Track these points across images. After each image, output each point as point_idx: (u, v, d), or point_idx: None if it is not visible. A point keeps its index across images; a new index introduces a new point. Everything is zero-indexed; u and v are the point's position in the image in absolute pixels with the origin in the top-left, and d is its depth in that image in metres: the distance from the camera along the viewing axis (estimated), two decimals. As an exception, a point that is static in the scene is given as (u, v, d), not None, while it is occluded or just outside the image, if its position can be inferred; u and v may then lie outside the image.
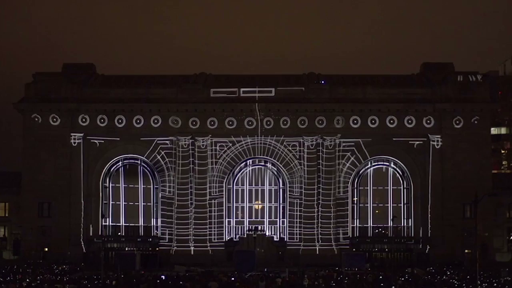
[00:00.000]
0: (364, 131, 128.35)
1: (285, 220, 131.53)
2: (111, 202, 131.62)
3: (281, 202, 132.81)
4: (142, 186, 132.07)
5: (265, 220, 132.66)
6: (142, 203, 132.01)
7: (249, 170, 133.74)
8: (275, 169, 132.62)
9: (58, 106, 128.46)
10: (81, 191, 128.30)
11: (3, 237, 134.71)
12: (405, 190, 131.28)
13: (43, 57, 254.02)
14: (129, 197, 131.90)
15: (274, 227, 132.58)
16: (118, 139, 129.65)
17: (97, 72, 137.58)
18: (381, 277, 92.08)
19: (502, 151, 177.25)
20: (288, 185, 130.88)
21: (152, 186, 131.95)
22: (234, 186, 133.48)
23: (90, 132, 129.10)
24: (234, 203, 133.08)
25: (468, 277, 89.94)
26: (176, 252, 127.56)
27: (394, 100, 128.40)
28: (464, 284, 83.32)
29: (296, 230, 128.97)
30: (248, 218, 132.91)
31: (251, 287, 78.00)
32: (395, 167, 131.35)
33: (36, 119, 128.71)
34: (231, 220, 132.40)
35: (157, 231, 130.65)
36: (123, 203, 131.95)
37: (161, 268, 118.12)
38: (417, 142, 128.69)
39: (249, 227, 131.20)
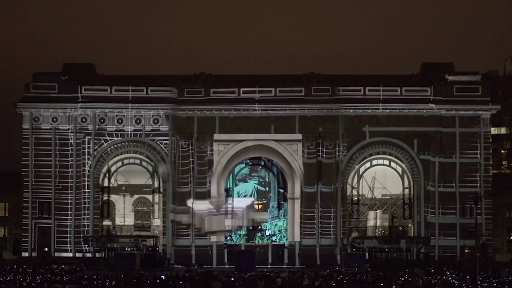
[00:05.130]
0: (364, 131, 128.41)
1: (285, 220, 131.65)
2: (111, 202, 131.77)
3: (281, 202, 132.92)
4: (142, 186, 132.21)
5: (265, 220, 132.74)
6: (142, 203, 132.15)
7: (249, 170, 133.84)
8: (275, 169, 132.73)
9: (58, 106, 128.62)
10: (81, 191, 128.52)
11: (3, 237, 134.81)
12: (405, 190, 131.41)
13: (43, 57, 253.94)
14: (129, 197, 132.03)
15: (274, 227, 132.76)
16: (118, 139, 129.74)
17: (97, 72, 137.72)
18: (381, 277, 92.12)
19: (502, 151, 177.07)
20: (288, 185, 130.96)
21: (152, 186, 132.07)
22: (235, 186, 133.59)
23: (90, 132, 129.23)
24: (234, 203, 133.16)
25: (468, 277, 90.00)
26: (176, 252, 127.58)
27: (394, 100, 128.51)
28: (464, 284, 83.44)
29: (296, 230, 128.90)
30: (248, 218, 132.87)
31: (250, 287, 78.04)
32: (395, 166, 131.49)
33: (36, 119, 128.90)
34: (231, 220, 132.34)
35: (157, 231, 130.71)
36: (123, 203, 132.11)
37: (161, 268, 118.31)
38: (417, 142, 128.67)
39: (249, 227, 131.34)
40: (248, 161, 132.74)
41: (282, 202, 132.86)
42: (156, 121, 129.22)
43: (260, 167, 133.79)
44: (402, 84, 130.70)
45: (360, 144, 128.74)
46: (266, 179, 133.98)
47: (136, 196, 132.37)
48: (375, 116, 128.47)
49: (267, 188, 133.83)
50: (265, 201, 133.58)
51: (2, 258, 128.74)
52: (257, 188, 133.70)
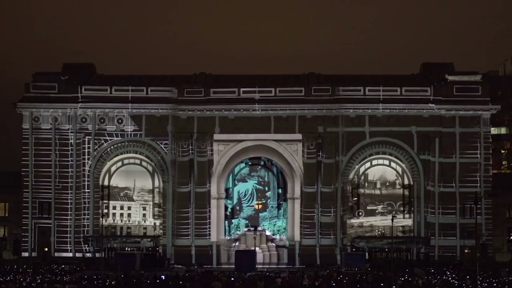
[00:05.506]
0: (364, 131, 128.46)
1: (286, 220, 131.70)
2: (111, 202, 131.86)
3: (281, 202, 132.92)
4: (142, 186, 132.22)
5: (269, 220, 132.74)
6: (142, 203, 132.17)
7: (249, 170, 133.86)
8: (275, 169, 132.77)
9: (58, 106, 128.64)
10: (81, 191, 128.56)
11: (3, 237, 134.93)
12: (405, 189, 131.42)
13: (43, 57, 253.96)
14: (129, 196, 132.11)
15: (273, 227, 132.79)
16: (118, 139, 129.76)
17: (97, 72, 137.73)
18: (381, 277, 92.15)
19: (502, 151, 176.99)
20: (288, 185, 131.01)
21: (152, 186, 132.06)
22: (234, 186, 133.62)
23: (90, 132, 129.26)
24: (234, 203, 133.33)
25: (468, 277, 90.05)
26: (176, 252, 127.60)
27: (394, 100, 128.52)
28: (464, 284, 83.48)
29: (296, 230, 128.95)
30: (248, 218, 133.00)
31: (250, 287, 78.07)
32: (395, 166, 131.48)
33: (36, 119, 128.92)
34: (231, 220, 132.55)
35: (157, 231, 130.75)
36: (123, 202, 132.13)
37: (161, 268, 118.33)
38: (417, 142, 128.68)
39: (249, 227, 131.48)
40: (248, 160, 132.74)
41: (281, 202, 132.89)
42: (156, 121, 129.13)
43: (260, 166, 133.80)
44: (402, 84, 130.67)
45: (360, 144, 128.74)
46: (266, 179, 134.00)
47: (134, 196, 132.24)
48: (375, 116, 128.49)
49: (266, 188, 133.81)
50: (264, 201, 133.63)
51: (2, 258, 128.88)
52: (256, 187, 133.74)
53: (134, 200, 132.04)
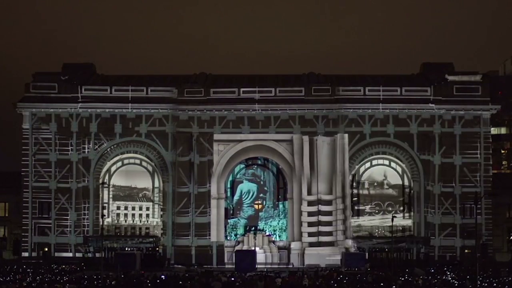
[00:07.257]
0: (364, 131, 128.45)
1: (286, 220, 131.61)
2: (111, 202, 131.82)
3: (281, 202, 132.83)
4: (142, 185, 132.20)
5: (265, 220, 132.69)
6: (142, 203, 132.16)
7: (249, 170, 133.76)
8: (275, 169, 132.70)
9: (58, 106, 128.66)
10: (81, 191, 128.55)
11: (3, 237, 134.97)
12: (405, 189, 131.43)
13: (43, 57, 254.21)
14: (129, 196, 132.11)
15: (270, 227, 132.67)
16: (118, 139, 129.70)
17: (97, 72, 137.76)
18: (381, 277, 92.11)
19: (502, 151, 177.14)
20: (288, 185, 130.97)
21: (152, 186, 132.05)
22: (234, 186, 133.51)
23: (90, 132, 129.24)
24: (234, 203, 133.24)
25: (468, 277, 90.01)
26: (176, 252, 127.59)
27: (394, 100, 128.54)
28: (464, 284, 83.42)
29: (296, 230, 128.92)
30: (248, 218, 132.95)
31: (250, 287, 78.05)
32: (395, 166, 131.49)
33: (36, 119, 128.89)
34: (231, 220, 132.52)
35: (157, 231, 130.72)
36: (123, 203, 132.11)
37: (161, 268, 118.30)
38: (417, 142, 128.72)
39: (248, 227, 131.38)
40: (244, 160, 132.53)
41: (277, 202, 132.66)
42: (156, 121, 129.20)
43: (256, 166, 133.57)
44: (402, 84, 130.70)
45: (360, 144, 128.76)
46: (262, 178, 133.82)
47: (134, 196, 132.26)
48: (375, 116, 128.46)
49: (258, 189, 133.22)
50: (260, 202, 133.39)
51: (2, 258, 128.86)
52: (254, 187, 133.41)
53: (134, 200, 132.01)
